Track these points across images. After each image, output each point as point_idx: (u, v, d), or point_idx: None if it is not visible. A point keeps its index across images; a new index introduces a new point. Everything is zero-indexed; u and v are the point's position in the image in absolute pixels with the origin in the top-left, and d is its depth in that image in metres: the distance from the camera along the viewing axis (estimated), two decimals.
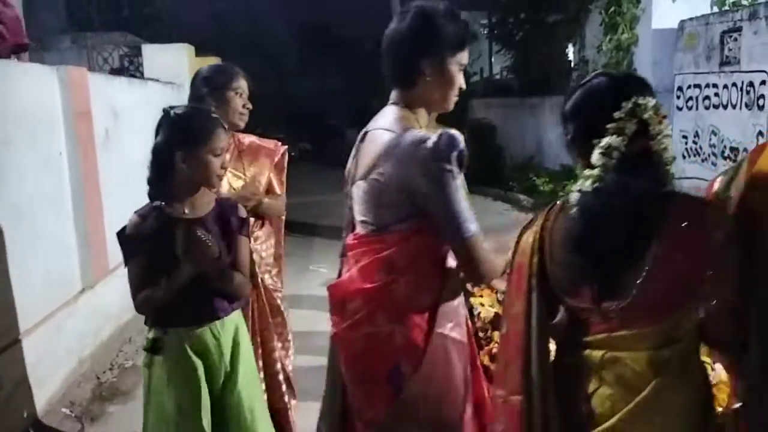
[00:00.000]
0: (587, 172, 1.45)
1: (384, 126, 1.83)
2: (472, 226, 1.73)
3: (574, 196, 1.48)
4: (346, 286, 1.85)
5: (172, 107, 2.17)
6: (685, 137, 7.94)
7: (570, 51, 11.25)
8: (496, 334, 2.39)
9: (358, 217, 1.86)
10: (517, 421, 1.55)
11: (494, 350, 2.16)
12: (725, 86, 7.11)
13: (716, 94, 7.21)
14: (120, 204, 5.02)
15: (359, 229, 1.87)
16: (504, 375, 1.62)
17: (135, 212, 2.13)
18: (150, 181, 2.13)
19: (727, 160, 7.13)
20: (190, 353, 2.13)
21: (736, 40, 6.87)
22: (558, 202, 1.60)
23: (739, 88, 6.84)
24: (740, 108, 6.81)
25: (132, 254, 2.10)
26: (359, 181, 1.84)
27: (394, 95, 1.90)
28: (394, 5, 17.59)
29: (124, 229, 2.13)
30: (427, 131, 1.79)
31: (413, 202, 1.73)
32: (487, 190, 10.80)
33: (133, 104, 5.67)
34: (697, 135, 7.75)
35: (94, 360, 4.25)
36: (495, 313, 2.51)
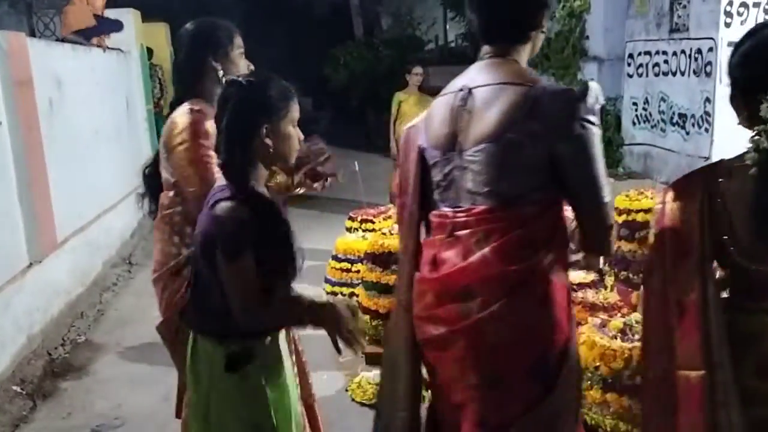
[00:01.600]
0: (758, 127, 1.36)
1: (505, 79, 1.59)
2: (608, 192, 1.55)
3: (749, 156, 1.38)
4: (478, 271, 1.55)
5: (234, 78, 1.82)
6: (635, 104, 8.08)
7: None
8: None
9: (479, 188, 1.57)
10: (698, 396, 1.47)
11: None
12: (674, 53, 7.24)
13: (665, 61, 7.34)
14: (67, 175, 4.87)
15: (475, 203, 1.58)
16: (662, 351, 1.52)
17: (228, 200, 1.69)
18: (229, 163, 1.75)
19: (676, 126, 7.30)
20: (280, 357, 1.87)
21: (685, 7, 6.99)
22: (722, 163, 1.50)
23: (687, 55, 6.98)
24: (689, 75, 6.96)
25: (241, 251, 1.67)
26: (485, 144, 1.56)
27: (493, 50, 1.68)
28: None
29: (230, 223, 1.68)
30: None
31: (553, 164, 1.53)
32: None
33: (77, 73, 5.46)
34: (647, 101, 7.89)
35: (45, 336, 4.14)
36: None
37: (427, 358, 1.72)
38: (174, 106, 2.18)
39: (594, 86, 1.53)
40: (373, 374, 3.31)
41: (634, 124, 8.16)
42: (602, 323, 2.88)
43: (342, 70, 15.62)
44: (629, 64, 8.05)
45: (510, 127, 1.53)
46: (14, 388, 3.58)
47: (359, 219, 4.64)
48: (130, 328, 4.51)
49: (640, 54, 7.81)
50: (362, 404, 3.30)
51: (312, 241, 6.30)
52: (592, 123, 1.52)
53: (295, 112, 1.84)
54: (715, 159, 7.49)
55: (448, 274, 1.60)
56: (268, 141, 1.76)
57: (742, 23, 6.36)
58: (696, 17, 6.70)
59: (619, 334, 2.72)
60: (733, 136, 1.73)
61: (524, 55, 1.69)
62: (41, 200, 4.33)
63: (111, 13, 6.89)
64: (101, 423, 3.33)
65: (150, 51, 8.56)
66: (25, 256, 4.13)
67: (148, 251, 6.35)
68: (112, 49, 6.79)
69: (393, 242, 3.57)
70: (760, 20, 6.41)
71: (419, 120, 1.78)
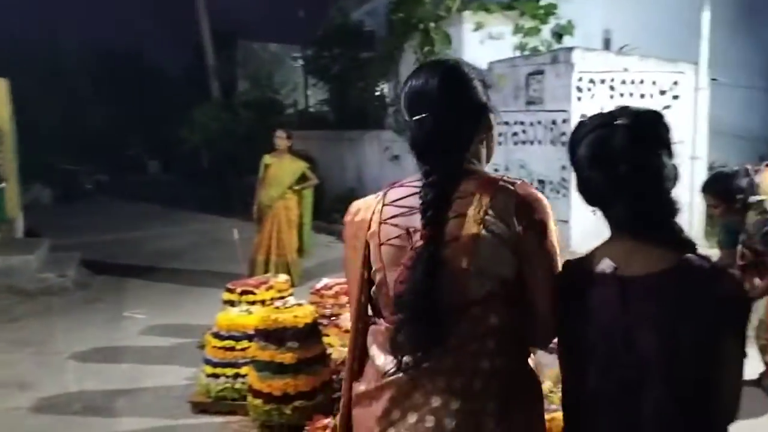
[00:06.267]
0: None
1: None
2: None
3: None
4: None
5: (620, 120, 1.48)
6: (496, 170, 8.46)
7: (385, 87, 11.59)
8: None
9: None
10: None
11: None
12: (531, 123, 7.70)
13: (524, 131, 7.78)
14: None
15: None
16: None
17: (720, 270, 1.44)
18: (662, 221, 1.45)
19: None
20: None
21: (540, 81, 7.49)
22: None
23: (543, 126, 7.45)
24: (545, 143, 7.42)
25: None
26: None
27: None
28: (203, 33, 17.08)
29: (747, 302, 1.49)
30: None
31: None
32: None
33: None
34: (507, 169, 8.28)
35: None
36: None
37: None
38: (447, 173, 1.53)
39: None
40: None
41: None
42: None
43: (197, 132, 15.14)
44: None
45: None
46: None
47: (238, 291, 4.27)
48: None
49: (498, 123, 8.23)
50: None
51: (182, 316, 5.79)
52: None
53: None
54: (573, 223, 7.83)
55: None
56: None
57: (591, 97, 6.92)
58: (551, 91, 7.21)
59: None
60: None
61: None
62: None
63: None
64: None
65: None
66: None
67: None
68: None
69: (287, 317, 3.28)
70: (606, 94, 7.02)
71: None
